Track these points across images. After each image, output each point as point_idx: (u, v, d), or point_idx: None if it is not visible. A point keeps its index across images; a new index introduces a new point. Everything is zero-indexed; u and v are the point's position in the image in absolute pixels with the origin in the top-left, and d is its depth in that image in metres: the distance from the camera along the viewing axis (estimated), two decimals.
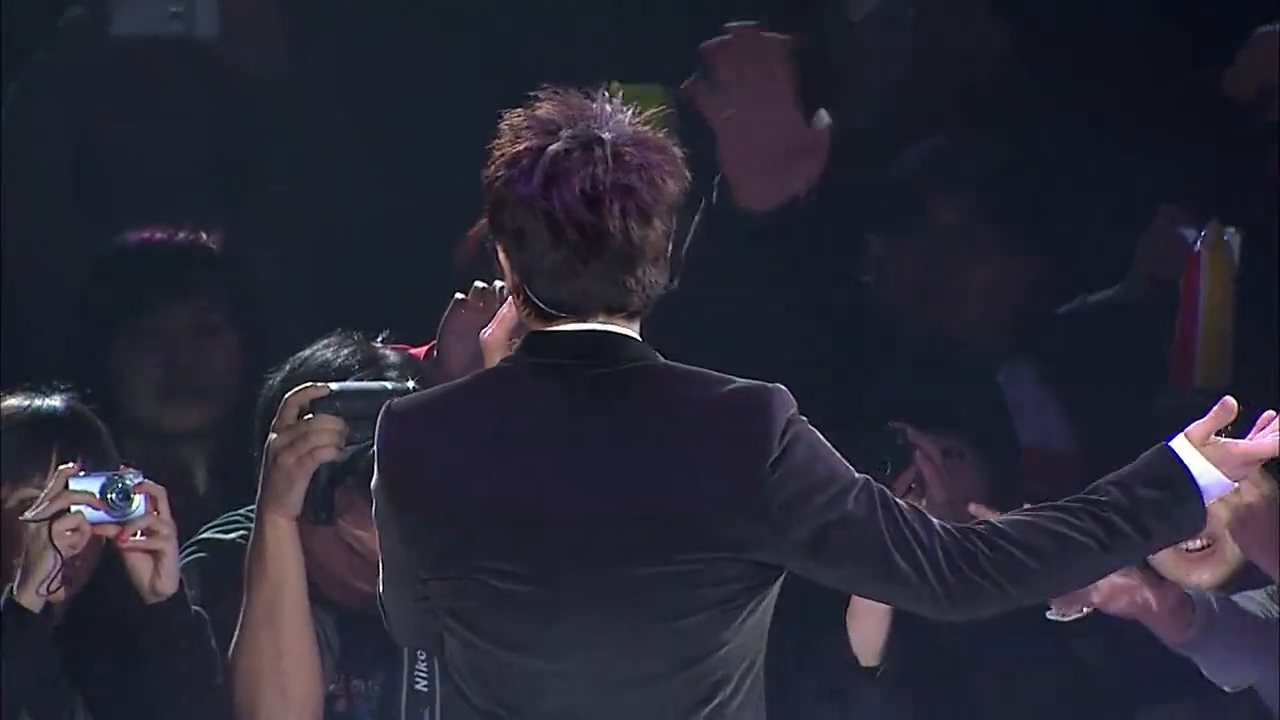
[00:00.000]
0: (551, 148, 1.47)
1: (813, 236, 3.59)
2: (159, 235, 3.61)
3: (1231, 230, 3.50)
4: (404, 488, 1.51)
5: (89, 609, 2.54)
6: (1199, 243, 3.51)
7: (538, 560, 1.45)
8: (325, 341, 2.78)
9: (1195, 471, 1.52)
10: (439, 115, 3.62)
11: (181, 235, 3.60)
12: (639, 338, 1.53)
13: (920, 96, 3.84)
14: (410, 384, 2.52)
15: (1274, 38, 3.55)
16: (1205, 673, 2.79)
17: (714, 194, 3.55)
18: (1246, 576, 2.98)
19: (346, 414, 2.49)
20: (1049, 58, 3.74)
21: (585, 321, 1.49)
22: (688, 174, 1.53)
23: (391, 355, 2.78)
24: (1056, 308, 3.78)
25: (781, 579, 1.50)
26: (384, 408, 1.56)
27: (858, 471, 1.49)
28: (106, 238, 3.68)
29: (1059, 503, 1.53)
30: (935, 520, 1.49)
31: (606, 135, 1.48)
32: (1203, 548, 2.92)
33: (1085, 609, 2.83)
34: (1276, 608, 2.88)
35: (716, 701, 1.46)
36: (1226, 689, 2.82)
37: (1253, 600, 2.87)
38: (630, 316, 1.52)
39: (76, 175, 3.75)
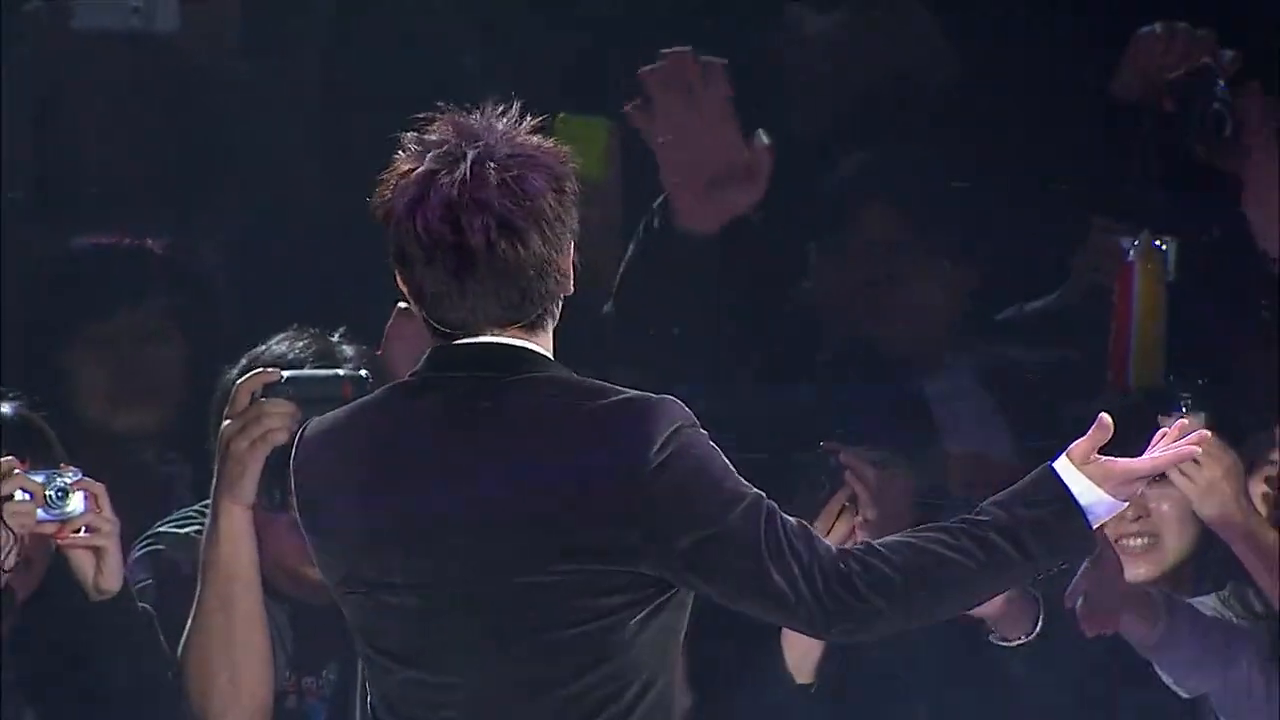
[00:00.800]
0: (419, 169, 1.49)
1: (756, 254, 3.63)
2: (111, 238, 3.61)
3: (1164, 239, 3.55)
4: (307, 507, 1.55)
5: (38, 610, 2.55)
6: (1132, 251, 3.56)
7: (420, 572, 1.46)
8: (281, 335, 2.80)
9: (1075, 490, 1.52)
10: (395, 116, 3.63)
11: (133, 238, 3.59)
12: (542, 349, 1.54)
13: (867, 112, 3.87)
14: (363, 372, 2.55)
15: (1154, 38, 3.59)
16: (1164, 677, 2.83)
17: (655, 217, 3.59)
18: (1185, 573, 3.05)
19: (299, 398, 2.52)
20: (990, 71, 3.76)
21: (478, 335, 1.51)
22: (571, 185, 1.53)
23: (346, 348, 2.80)
24: (993, 315, 3.80)
25: (674, 596, 1.49)
26: (300, 429, 1.59)
27: (758, 487, 1.48)
28: (59, 240, 3.67)
29: (941, 524, 1.53)
30: (821, 540, 1.49)
31: (471, 152, 1.48)
32: (1142, 544, 2.98)
33: (1027, 636, 2.89)
34: (1230, 613, 2.92)
35: (604, 718, 1.45)
36: (1184, 694, 2.86)
37: (1206, 605, 2.92)
38: (531, 328, 1.53)
39: (28, 176, 3.71)
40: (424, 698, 1.49)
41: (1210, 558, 3.02)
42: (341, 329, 2.89)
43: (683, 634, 1.54)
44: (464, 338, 1.52)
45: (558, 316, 1.58)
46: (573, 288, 1.58)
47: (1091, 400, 3.43)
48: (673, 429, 1.46)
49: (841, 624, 1.47)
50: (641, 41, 3.72)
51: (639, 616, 1.46)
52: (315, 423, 1.59)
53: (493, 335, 1.51)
